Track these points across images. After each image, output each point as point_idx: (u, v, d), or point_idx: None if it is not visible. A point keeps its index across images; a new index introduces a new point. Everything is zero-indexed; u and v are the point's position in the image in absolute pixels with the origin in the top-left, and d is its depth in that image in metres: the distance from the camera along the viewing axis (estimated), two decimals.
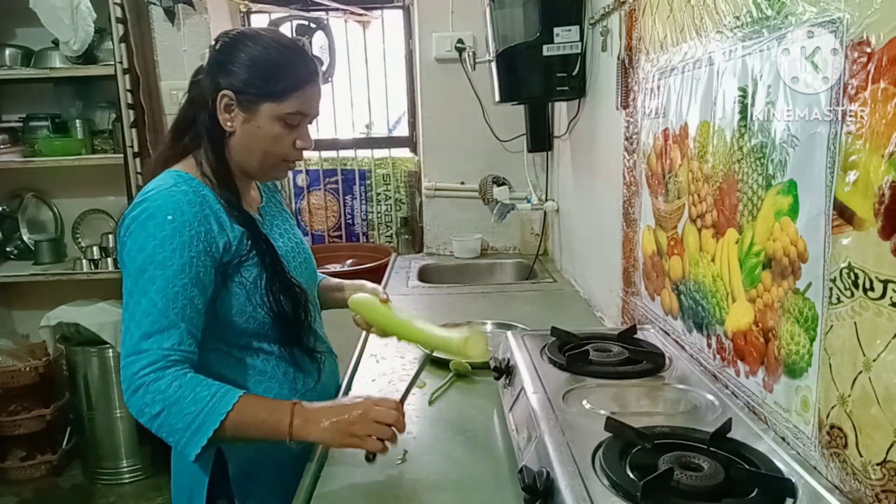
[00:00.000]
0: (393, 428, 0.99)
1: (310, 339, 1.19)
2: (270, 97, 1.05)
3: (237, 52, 1.05)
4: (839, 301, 0.75)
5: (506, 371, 1.22)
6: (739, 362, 1.01)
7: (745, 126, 0.96)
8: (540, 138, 2.53)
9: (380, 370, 1.47)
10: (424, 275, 2.49)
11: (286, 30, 2.83)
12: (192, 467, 1.09)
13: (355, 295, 1.28)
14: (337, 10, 2.87)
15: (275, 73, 1.05)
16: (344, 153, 3.08)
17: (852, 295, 0.73)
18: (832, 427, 0.78)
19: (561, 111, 2.37)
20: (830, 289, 0.77)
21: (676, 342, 1.25)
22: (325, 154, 3.05)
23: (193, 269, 0.99)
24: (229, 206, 1.07)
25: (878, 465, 0.70)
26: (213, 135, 1.08)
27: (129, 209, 1.02)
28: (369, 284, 1.36)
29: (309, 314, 1.18)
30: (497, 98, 2.16)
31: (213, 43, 1.09)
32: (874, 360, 0.70)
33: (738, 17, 0.98)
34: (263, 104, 1.05)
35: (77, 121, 2.79)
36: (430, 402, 1.29)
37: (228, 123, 1.07)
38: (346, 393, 1.33)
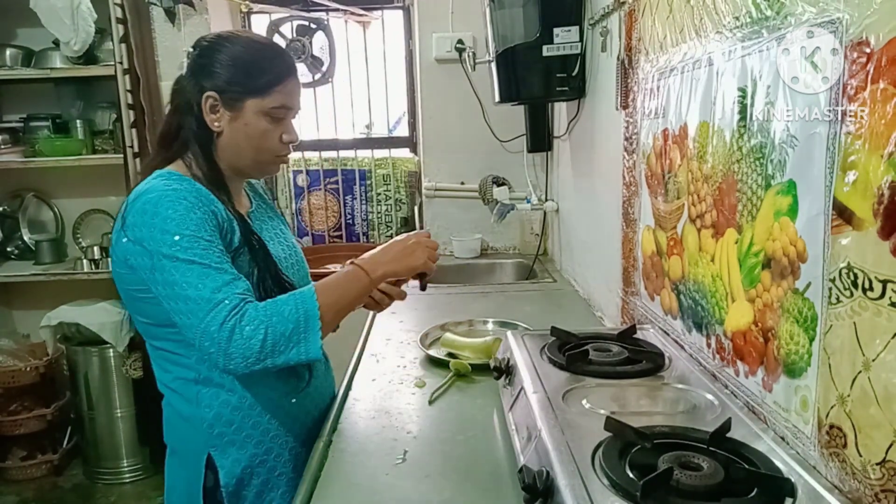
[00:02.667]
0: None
1: None
2: (254, 93, 1.07)
3: (217, 54, 1.08)
4: (838, 301, 0.75)
5: (506, 371, 1.22)
6: (739, 362, 1.01)
7: (745, 126, 0.97)
8: (540, 138, 2.53)
9: (380, 370, 1.47)
10: None
11: (286, 30, 2.84)
12: (186, 479, 1.11)
13: None
14: (337, 10, 2.87)
15: (255, 69, 1.08)
16: (344, 153, 3.08)
17: (851, 295, 0.73)
18: (831, 427, 0.78)
19: (561, 111, 2.37)
20: (830, 289, 0.77)
21: (676, 342, 1.25)
22: (326, 154, 3.06)
23: (217, 239, 1.02)
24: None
25: (877, 464, 0.70)
26: (201, 138, 1.09)
27: (128, 208, 1.02)
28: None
29: None
30: (497, 98, 2.16)
31: (191, 49, 1.11)
32: (873, 360, 0.70)
33: (737, 18, 0.98)
34: (248, 100, 1.07)
35: (78, 121, 2.79)
36: (430, 402, 1.29)
37: (216, 124, 1.08)
38: (346, 394, 1.34)
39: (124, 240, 1.02)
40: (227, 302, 0.95)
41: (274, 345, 0.95)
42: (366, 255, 1.14)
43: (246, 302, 0.97)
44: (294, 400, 1.17)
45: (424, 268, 1.16)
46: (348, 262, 1.12)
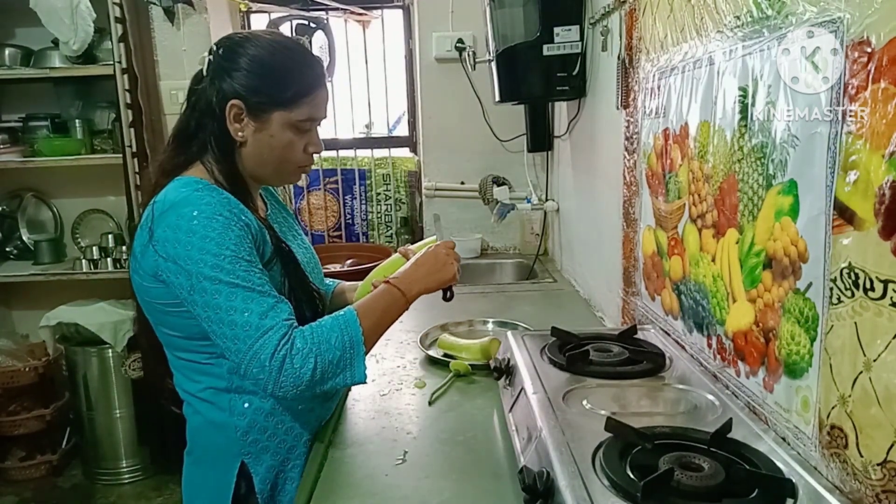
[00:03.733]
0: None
1: None
2: (281, 105, 1.03)
3: (242, 58, 1.02)
4: (839, 301, 0.75)
5: (506, 371, 1.22)
6: (740, 362, 1.01)
7: (746, 126, 0.96)
8: (540, 138, 2.53)
9: (380, 370, 1.47)
10: None
11: (286, 30, 2.83)
12: (214, 487, 1.09)
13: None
14: (337, 9, 2.87)
15: (284, 79, 1.03)
16: (344, 153, 3.08)
17: (853, 295, 0.73)
18: (832, 427, 0.78)
19: (561, 111, 2.37)
20: (831, 289, 0.77)
21: (677, 342, 1.25)
22: (325, 154, 3.05)
23: (255, 256, 0.99)
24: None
25: (878, 465, 0.70)
26: (223, 144, 1.05)
27: (155, 221, 0.98)
28: None
29: None
30: (497, 98, 2.16)
31: (214, 48, 1.05)
32: (874, 360, 0.70)
33: (738, 17, 0.98)
34: (274, 112, 1.03)
35: (77, 121, 2.78)
36: (430, 403, 1.29)
37: (240, 133, 1.04)
38: (346, 395, 1.33)
39: (153, 254, 0.98)
40: (275, 329, 0.94)
41: (323, 373, 0.96)
42: (399, 272, 1.13)
43: (293, 328, 0.96)
44: (326, 405, 1.18)
45: (453, 280, 1.17)
46: (383, 280, 1.10)
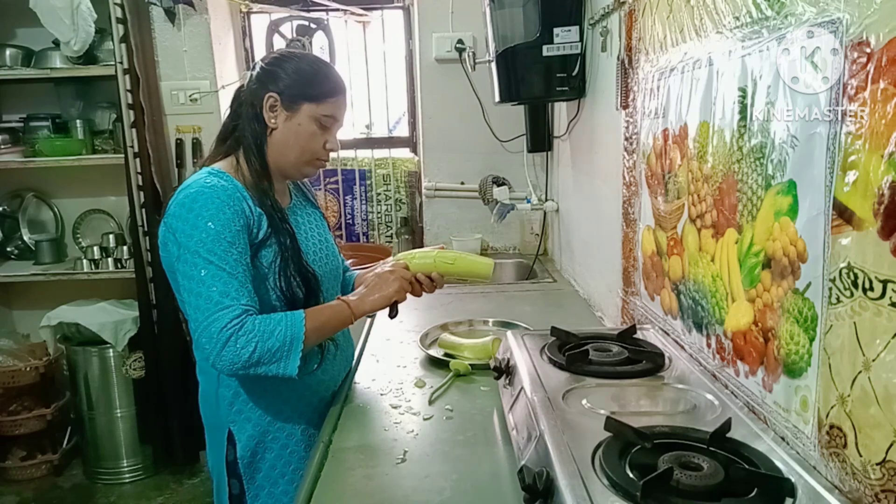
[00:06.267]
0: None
1: None
2: (311, 99, 1.20)
3: (285, 64, 1.21)
4: (839, 301, 0.75)
5: (506, 371, 1.22)
6: (739, 362, 1.01)
7: (745, 126, 0.97)
8: (540, 138, 2.54)
9: (380, 370, 1.47)
10: None
11: (286, 30, 2.84)
12: (216, 453, 1.24)
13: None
14: (337, 10, 2.87)
15: (315, 79, 1.22)
16: (344, 153, 3.08)
17: (852, 295, 0.73)
18: (832, 427, 0.78)
19: (561, 111, 2.38)
20: (830, 289, 0.77)
21: (676, 342, 1.25)
22: None
23: (241, 240, 1.12)
24: (258, 194, 1.18)
25: (877, 464, 0.70)
26: (257, 133, 1.21)
27: (172, 199, 1.14)
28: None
29: (319, 302, 1.26)
30: (497, 98, 2.17)
31: (260, 60, 1.24)
32: (873, 360, 0.70)
33: (737, 18, 0.98)
34: (304, 104, 1.20)
35: (77, 121, 2.79)
36: (430, 402, 1.29)
37: (272, 121, 1.20)
38: (347, 395, 1.34)
39: (164, 226, 1.14)
40: (232, 308, 1.06)
41: (260, 358, 1.06)
42: (357, 292, 1.26)
43: (248, 314, 1.07)
44: (304, 381, 1.24)
45: (398, 296, 1.27)
46: (337, 298, 1.24)
